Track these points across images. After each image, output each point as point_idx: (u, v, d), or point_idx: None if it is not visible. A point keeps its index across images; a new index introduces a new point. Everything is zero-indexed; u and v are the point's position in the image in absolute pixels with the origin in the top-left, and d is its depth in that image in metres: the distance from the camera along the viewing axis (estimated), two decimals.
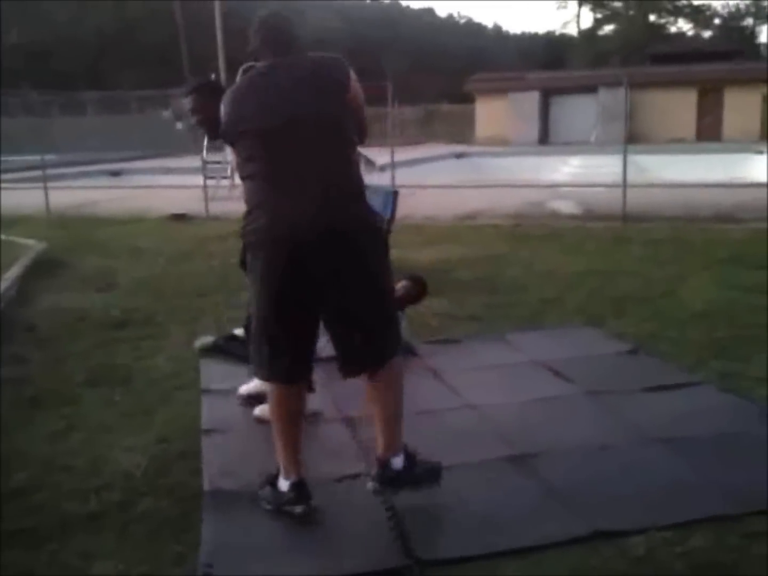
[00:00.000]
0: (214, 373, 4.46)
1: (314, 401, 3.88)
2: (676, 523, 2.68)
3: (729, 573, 2.40)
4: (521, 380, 4.26)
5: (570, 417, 3.75)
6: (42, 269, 7.56)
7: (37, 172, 14.04)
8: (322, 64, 2.80)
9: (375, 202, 7.52)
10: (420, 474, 2.89)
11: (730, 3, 62.66)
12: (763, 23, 62.21)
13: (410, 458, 2.90)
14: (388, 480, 2.86)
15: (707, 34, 61.85)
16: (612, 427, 3.61)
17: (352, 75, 2.76)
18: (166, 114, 33.90)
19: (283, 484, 2.89)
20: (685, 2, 59.75)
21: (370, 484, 2.91)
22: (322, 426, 3.72)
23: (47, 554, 2.62)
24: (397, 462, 2.87)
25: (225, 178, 13.36)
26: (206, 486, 3.08)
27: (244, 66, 3.05)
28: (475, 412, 3.83)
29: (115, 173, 21.04)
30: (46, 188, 12.89)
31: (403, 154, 15.46)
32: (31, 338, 5.28)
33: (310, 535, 2.72)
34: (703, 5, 60.86)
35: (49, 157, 15.99)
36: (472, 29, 70.27)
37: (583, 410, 3.84)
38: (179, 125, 30.38)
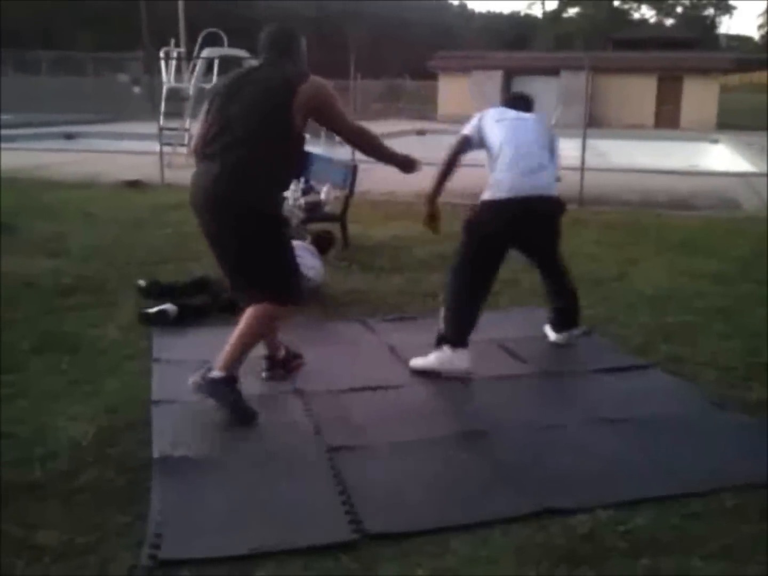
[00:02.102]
0: (166, 342, 4.40)
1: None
2: (621, 502, 2.73)
3: (669, 551, 2.46)
4: (476, 359, 4.27)
5: (522, 396, 3.80)
6: None
7: None
8: (278, 84, 3.36)
9: (334, 175, 7.49)
10: (221, 393, 3.38)
11: None
12: (723, 13, 63.04)
13: (227, 380, 3.39)
14: (201, 379, 3.41)
15: (669, 21, 62.51)
16: (562, 407, 3.66)
17: (305, 88, 3.30)
18: (123, 78, 33.21)
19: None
20: None
21: (191, 380, 3.44)
22: (276, 399, 3.70)
23: None
24: (216, 373, 3.39)
25: (182, 145, 13.14)
26: (156, 454, 3.05)
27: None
28: (429, 388, 3.84)
29: (69, 136, 20.54)
30: None
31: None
32: None
33: (260, 507, 2.71)
34: None
35: (2, 117, 15.54)
36: (438, 6, 69.92)
37: (535, 390, 3.89)
38: (136, 90, 29.82)
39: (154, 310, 4.75)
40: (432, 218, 4.33)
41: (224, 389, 3.39)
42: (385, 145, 3.69)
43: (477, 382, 3.97)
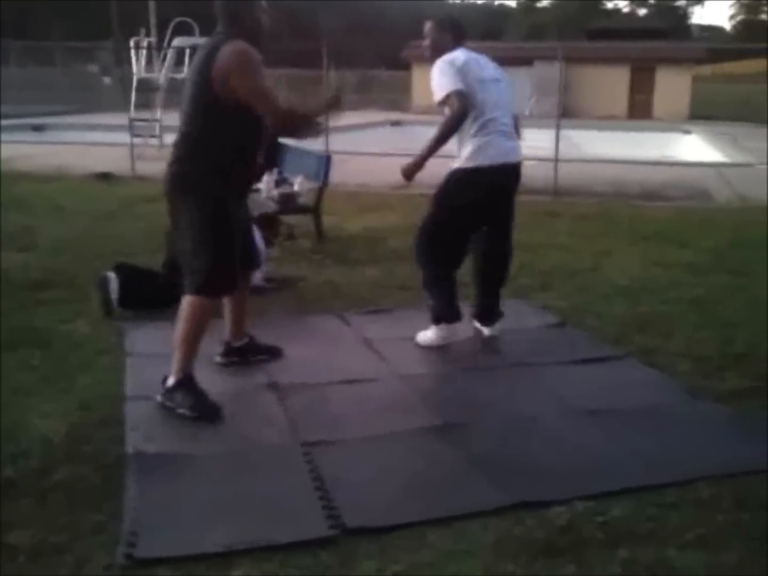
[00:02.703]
0: (138, 337, 4.35)
1: (250, 368, 3.88)
2: (598, 494, 2.74)
3: (646, 542, 2.47)
4: (451, 350, 4.28)
5: (497, 388, 3.79)
6: None
7: None
8: (205, 53, 3.28)
9: (307, 166, 7.46)
10: (179, 399, 3.37)
11: None
12: (694, 4, 63.54)
13: (181, 383, 3.39)
14: (162, 395, 3.42)
15: (642, 11, 62.88)
16: (538, 398, 3.66)
17: (222, 51, 3.20)
18: (93, 68, 32.74)
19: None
20: None
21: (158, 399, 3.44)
22: (251, 393, 3.67)
23: None
24: (170, 381, 3.40)
25: (153, 137, 12.99)
26: (129, 451, 3.01)
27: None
28: (404, 381, 3.83)
29: (38, 128, 20.20)
30: None
31: (339, 119, 15.24)
32: None
33: (237, 504, 2.68)
34: None
35: None
36: None
37: (510, 381, 3.89)
38: (106, 80, 29.43)
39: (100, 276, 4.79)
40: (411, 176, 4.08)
41: (181, 394, 3.37)
42: (296, 111, 3.44)
43: (453, 374, 3.98)
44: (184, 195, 3.37)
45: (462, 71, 3.90)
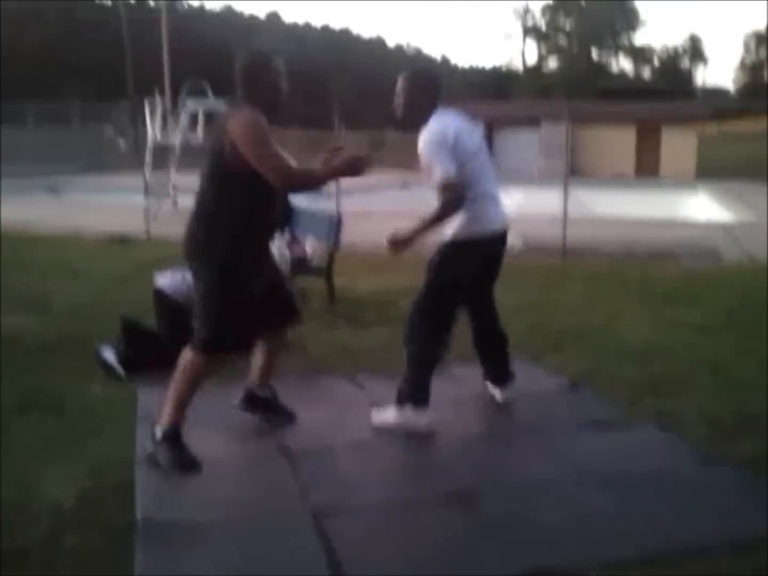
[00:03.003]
0: (150, 401, 4.34)
1: (261, 432, 3.87)
2: (613, 562, 2.70)
3: None
4: (463, 414, 4.26)
5: (509, 452, 3.77)
6: None
7: None
8: (221, 122, 3.43)
9: (318, 228, 7.53)
10: (162, 453, 3.46)
11: (669, 44, 64.82)
12: (698, 64, 64.58)
13: (167, 435, 3.47)
14: (152, 441, 3.50)
15: (647, 73, 63.92)
16: (550, 462, 3.63)
17: (233, 121, 3.31)
18: (108, 129, 33.36)
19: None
20: (626, 42, 61.69)
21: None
22: (261, 458, 3.65)
23: None
24: (158, 431, 3.48)
25: (167, 197, 13.19)
26: (139, 516, 3.00)
27: None
28: (415, 445, 3.81)
29: (54, 189, 20.55)
30: None
31: (348, 181, 15.44)
32: None
33: (246, 571, 2.66)
34: (644, 45, 62.88)
35: None
36: (421, 60, 71.16)
37: (522, 445, 3.86)
38: (121, 142, 29.96)
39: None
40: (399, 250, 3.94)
41: (164, 446, 3.46)
42: (310, 175, 3.48)
43: (464, 438, 3.95)
44: (197, 259, 3.48)
45: (455, 148, 3.72)
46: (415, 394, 3.93)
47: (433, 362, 4.00)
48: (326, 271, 6.90)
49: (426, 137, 3.75)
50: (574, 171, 17.57)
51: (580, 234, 10.45)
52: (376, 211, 13.77)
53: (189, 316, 3.62)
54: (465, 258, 3.92)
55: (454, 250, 3.90)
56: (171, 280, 5.27)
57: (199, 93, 14.71)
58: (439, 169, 3.70)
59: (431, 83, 3.95)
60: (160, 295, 5.24)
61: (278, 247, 6.93)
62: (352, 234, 8.87)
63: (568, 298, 7.18)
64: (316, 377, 4.90)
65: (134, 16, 41.65)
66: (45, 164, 25.43)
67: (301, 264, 6.80)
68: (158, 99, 15.12)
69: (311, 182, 3.52)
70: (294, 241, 7.21)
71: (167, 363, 4.47)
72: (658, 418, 4.15)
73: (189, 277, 4.75)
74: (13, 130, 30.12)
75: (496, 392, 4.40)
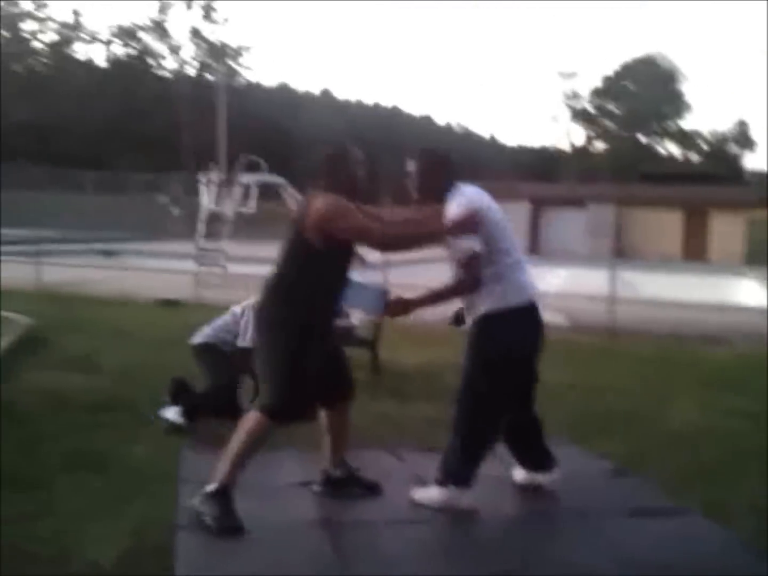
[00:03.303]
0: (193, 462, 4.37)
1: (303, 503, 3.86)
2: None
3: None
4: (507, 495, 4.18)
5: (555, 536, 3.68)
6: (26, 346, 7.49)
7: (32, 247, 14.10)
8: (305, 201, 3.69)
9: (367, 301, 7.56)
10: (208, 507, 3.50)
11: (717, 129, 65.04)
12: (745, 148, 64.51)
13: (216, 493, 3.52)
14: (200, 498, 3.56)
15: (695, 156, 64.01)
16: (597, 548, 3.53)
17: (314, 205, 3.53)
18: (163, 198, 34.39)
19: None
20: (673, 125, 62.07)
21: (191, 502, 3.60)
22: (302, 530, 3.62)
23: None
24: (210, 487, 3.55)
25: (218, 265, 13.46)
26: None
27: None
28: (458, 525, 3.75)
29: (108, 253, 21.13)
30: (38, 263, 12.92)
31: (395, 254, 15.60)
32: (8, 416, 5.17)
33: None
34: (691, 130, 63.17)
35: (45, 232, 16.09)
36: (469, 139, 72.42)
37: (566, 531, 3.76)
38: (175, 211, 30.83)
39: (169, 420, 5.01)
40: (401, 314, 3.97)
41: (212, 503, 3.50)
42: (413, 232, 3.81)
43: (509, 519, 3.88)
44: (272, 329, 3.62)
45: (485, 222, 3.67)
46: (459, 474, 3.83)
47: (485, 449, 3.88)
48: (372, 343, 6.93)
49: (453, 211, 3.70)
50: (621, 252, 17.55)
51: (627, 315, 10.36)
52: (422, 284, 13.82)
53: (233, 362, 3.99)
54: (509, 329, 3.76)
55: (496, 322, 3.76)
56: (212, 330, 5.39)
57: (253, 167, 15.15)
58: (464, 243, 3.66)
59: (441, 160, 3.94)
60: (204, 347, 5.34)
61: None
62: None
63: (616, 380, 7.08)
64: (357, 449, 4.87)
65: (193, 91, 43.37)
66: (101, 230, 26.19)
67: (347, 335, 6.85)
68: (213, 170, 15.60)
69: (411, 238, 3.76)
70: (341, 312, 7.28)
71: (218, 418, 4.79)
72: (707, 507, 4.02)
73: (229, 324, 5.19)
74: (73, 196, 31.26)
75: (541, 477, 4.17)
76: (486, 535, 3.71)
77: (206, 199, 14.90)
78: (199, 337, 5.50)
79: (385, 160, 49.23)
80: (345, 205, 3.54)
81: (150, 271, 14.55)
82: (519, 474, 4.21)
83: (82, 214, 29.16)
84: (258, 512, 3.74)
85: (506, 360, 3.78)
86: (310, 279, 3.58)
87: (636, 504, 4.05)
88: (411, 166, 3.91)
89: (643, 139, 62.42)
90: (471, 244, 3.64)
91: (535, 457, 4.18)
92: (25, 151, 39.37)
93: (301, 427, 5.05)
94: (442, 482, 3.85)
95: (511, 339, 3.77)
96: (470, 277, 3.69)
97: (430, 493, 3.88)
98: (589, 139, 63.38)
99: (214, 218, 14.55)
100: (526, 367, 3.95)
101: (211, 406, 5.17)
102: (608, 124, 62.91)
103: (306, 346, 3.56)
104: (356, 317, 7.06)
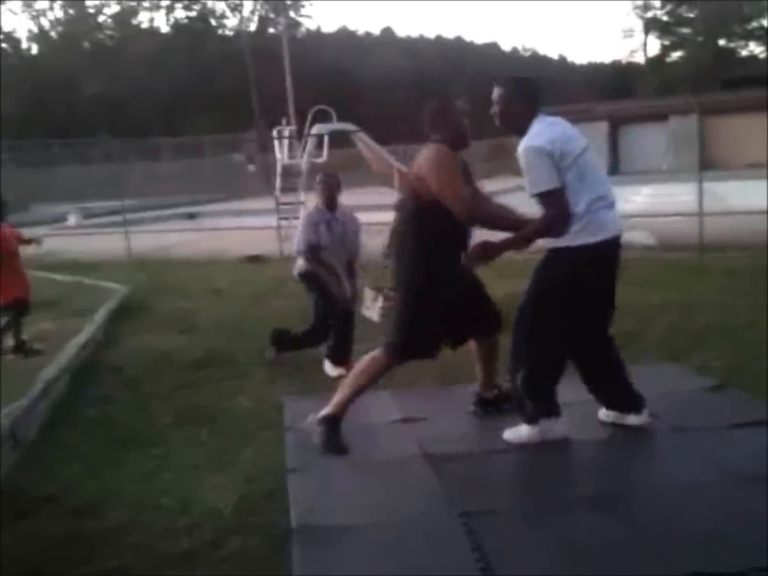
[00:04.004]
0: (297, 410, 4.52)
1: (405, 439, 3.96)
2: None
3: None
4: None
5: (656, 454, 3.69)
6: (126, 312, 7.84)
7: (118, 217, 14.57)
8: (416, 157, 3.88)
9: None
10: (319, 433, 3.86)
11: None
12: None
13: (328, 419, 3.87)
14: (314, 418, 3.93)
15: None
16: (700, 464, 3.53)
17: (419, 159, 3.77)
18: (238, 157, 34.83)
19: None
20: (755, 24, 58.56)
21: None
22: (406, 464, 3.73)
23: None
24: (323, 411, 3.90)
25: (297, 218, 13.61)
26: (294, 523, 3.13)
27: None
28: (558, 450, 3.78)
29: (191, 216, 21.67)
30: (126, 233, 13.36)
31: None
32: (119, 379, 5.47)
33: (398, 572, 2.74)
34: None
35: (129, 202, 16.58)
36: (537, 61, 70.24)
37: (669, 447, 3.76)
38: (251, 168, 31.23)
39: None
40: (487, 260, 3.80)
41: (322, 428, 3.85)
42: (495, 217, 3.94)
43: (606, 442, 3.88)
44: (398, 277, 3.90)
45: (553, 157, 3.50)
46: (542, 406, 3.78)
47: (556, 376, 3.80)
48: None
49: (526, 145, 3.55)
50: (706, 163, 16.90)
51: (716, 228, 10.02)
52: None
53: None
54: (579, 266, 3.60)
55: (567, 257, 3.61)
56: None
57: (323, 117, 15.15)
58: (539, 182, 3.53)
59: (527, 89, 3.78)
60: (303, 276, 5.57)
61: None
62: (479, 240, 8.88)
63: (708, 295, 6.91)
64: (453, 384, 4.95)
65: (257, 47, 43.38)
66: (181, 194, 26.78)
67: None
68: (285, 126, 15.70)
69: (493, 224, 3.86)
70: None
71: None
72: None
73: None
74: (149, 164, 31.98)
75: (632, 419, 3.91)
76: (584, 458, 3.74)
77: (280, 154, 15.03)
78: (295, 269, 5.68)
79: (453, 92, 48.47)
80: (448, 159, 3.69)
81: (233, 229, 14.84)
82: (607, 415, 3.99)
83: (162, 181, 29.88)
84: (364, 450, 3.87)
85: (566, 297, 3.64)
86: (426, 232, 3.74)
87: (735, 417, 3.99)
88: (496, 93, 3.77)
89: (722, 42, 59.27)
90: (548, 179, 3.51)
91: (622, 398, 3.95)
92: (101, 125, 40.42)
93: (395, 369, 5.19)
94: (529, 419, 3.81)
95: (576, 278, 3.62)
96: (555, 216, 3.55)
97: (521, 432, 3.83)
98: (665, 50, 60.54)
99: (290, 172, 14.68)
100: (594, 302, 3.75)
101: (307, 343, 5.60)
102: (684, 31, 59.89)
103: (429, 295, 3.77)
104: None
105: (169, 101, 48.25)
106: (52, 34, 54.85)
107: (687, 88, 46.98)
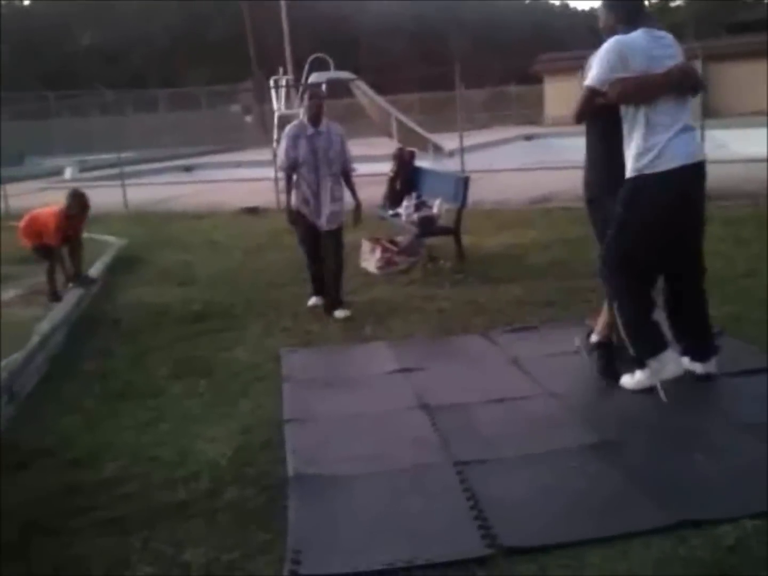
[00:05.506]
0: (293, 362, 4.53)
1: (401, 390, 3.95)
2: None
3: None
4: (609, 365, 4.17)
5: (654, 402, 3.67)
6: (123, 265, 7.81)
7: (114, 170, 14.44)
8: None
9: (446, 188, 7.55)
10: (595, 358, 3.95)
11: None
12: None
13: (599, 344, 3.94)
14: (583, 341, 4.10)
15: None
16: (697, 412, 3.53)
17: None
18: (236, 108, 34.42)
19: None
20: None
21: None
22: (403, 414, 3.73)
23: (140, 541, 2.72)
24: (594, 337, 4.01)
25: None
26: (290, 473, 3.14)
27: None
28: (555, 399, 3.79)
29: (188, 168, 21.46)
30: (123, 185, 13.25)
31: (471, 138, 15.35)
32: (116, 332, 5.46)
33: (393, 523, 2.75)
34: None
35: (125, 154, 16.42)
36: (539, 7, 68.98)
37: (667, 395, 3.74)
38: (248, 118, 30.89)
39: None
40: None
41: (598, 353, 3.92)
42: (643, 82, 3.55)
43: (606, 390, 3.88)
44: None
45: (628, 56, 3.48)
46: (645, 346, 3.68)
47: (644, 308, 3.69)
48: (455, 230, 6.90)
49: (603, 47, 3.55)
50: (708, 112, 16.69)
51: (717, 177, 9.82)
52: (500, 168, 13.59)
53: None
54: (651, 195, 3.54)
55: (636, 184, 3.57)
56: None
57: (321, 65, 14.91)
58: (590, 73, 3.55)
59: (622, 4, 3.69)
60: None
61: (406, 208, 7.01)
62: (479, 192, 8.82)
63: (709, 243, 6.80)
64: (450, 335, 4.95)
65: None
66: (179, 146, 26.53)
67: (429, 224, 6.84)
68: (282, 76, 15.45)
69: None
70: (422, 203, 7.26)
71: None
72: None
73: None
74: (145, 116, 31.62)
75: (696, 366, 3.84)
76: (583, 407, 3.74)
77: (277, 104, 14.82)
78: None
79: (453, 40, 47.70)
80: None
81: (231, 181, 14.73)
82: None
83: (159, 133, 29.54)
84: (361, 400, 3.88)
85: (640, 226, 3.60)
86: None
87: (735, 365, 3.97)
88: (598, 9, 3.84)
89: None
90: (594, 75, 3.53)
91: (690, 340, 3.88)
92: (94, 77, 39.87)
93: (392, 320, 5.18)
94: (639, 362, 3.73)
95: (648, 207, 3.57)
96: (576, 112, 3.63)
97: (637, 377, 3.75)
98: None
99: (287, 121, 14.49)
100: (669, 232, 3.64)
101: None
102: None
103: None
104: (437, 206, 7.03)
105: (164, 52, 47.52)
106: None
107: (690, 33, 46.21)
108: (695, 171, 3.60)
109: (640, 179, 3.55)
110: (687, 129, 3.58)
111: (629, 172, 3.60)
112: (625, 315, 3.69)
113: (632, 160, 3.57)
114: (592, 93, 3.54)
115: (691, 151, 3.57)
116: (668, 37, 3.64)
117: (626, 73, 3.47)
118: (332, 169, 5.41)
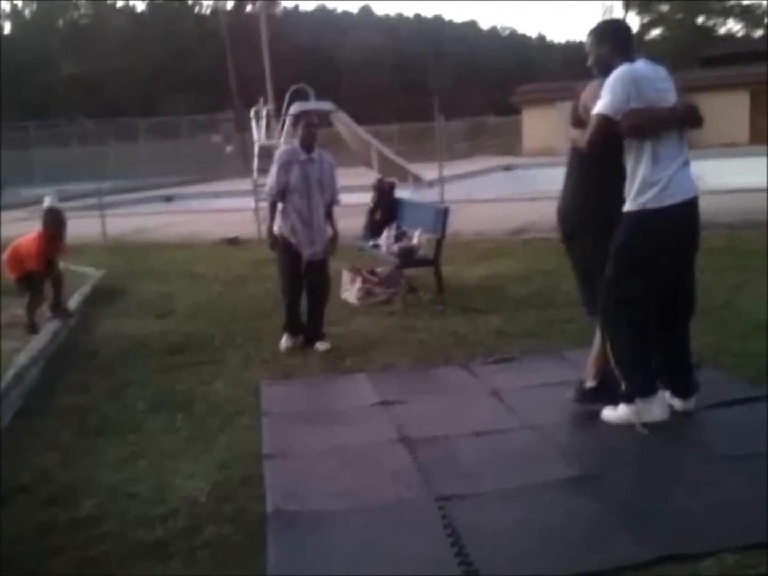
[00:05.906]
0: (274, 395, 4.50)
1: (381, 423, 3.93)
2: (749, 545, 2.61)
3: None
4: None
5: (633, 435, 3.68)
6: (101, 296, 7.75)
7: (94, 200, 14.37)
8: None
9: (425, 218, 7.58)
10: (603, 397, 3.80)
11: None
12: None
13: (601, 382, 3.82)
14: (576, 392, 3.94)
15: (758, 33, 60.56)
16: (679, 445, 3.54)
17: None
18: (215, 138, 34.46)
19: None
20: (734, 2, 58.64)
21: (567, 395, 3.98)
22: (383, 448, 3.71)
23: None
24: (589, 383, 3.88)
25: None
26: (269, 509, 3.11)
27: None
28: (536, 432, 3.79)
29: (168, 198, 21.43)
30: (102, 216, 13.19)
31: (451, 168, 15.47)
32: (94, 365, 5.40)
33: (373, 560, 2.72)
34: (753, 4, 59.55)
35: (105, 184, 16.36)
36: (516, 40, 70.00)
37: (648, 428, 3.76)
38: (228, 149, 30.93)
39: None
40: None
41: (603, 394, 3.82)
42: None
43: (586, 423, 3.89)
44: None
45: (638, 91, 3.46)
46: (636, 384, 3.68)
47: (642, 344, 3.68)
48: (434, 261, 6.93)
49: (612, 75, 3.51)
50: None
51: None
52: (479, 199, 13.69)
53: None
54: (651, 230, 3.53)
55: (640, 218, 3.54)
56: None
57: (301, 96, 14.97)
58: (601, 101, 3.48)
59: (615, 31, 3.74)
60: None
61: (386, 239, 7.03)
62: (458, 222, 8.87)
63: None
64: (429, 367, 4.94)
65: (232, 24, 42.85)
66: (158, 176, 26.50)
67: (409, 255, 6.87)
68: (263, 106, 15.48)
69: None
70: (402, 233, 7.29)
71: None
72: None
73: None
74: (125, 145, 31.59)
75: (676, 402, 3.84)
76: (563, 440, 3.73)
77: (258, 134, 14.86)
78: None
79: (433, 72, 48.22)
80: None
81: (210, 212, 14.72)
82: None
83: (139, 162, 29.52)
84: (339, 434, 3.86)
85: (640, 260, 3.59)
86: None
87: (714, 396, 3.98)
88: (587, 43, 3.78)
89: (701, 19, 59.28)
90: (605, 103, 3.47)
91: (673, 375, 3.86)
92: (77, 105, 39.87)
93: (372, 351, 5.17)
94: (626, 398, 3.71)
95: (648, 242, 3.56)
96: (589, 141, 3.55)
97: (620, 412, 3.74)
98: (644, 27, 60.49)
99: (267, 152, 14.52)
100: (670, 266, 3.65)
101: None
102: (663, 8, 59.83)
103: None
104: (416, 237, 7.06)
105: (145, 81, 47.64)
106: (26, 12, 53.94)
107: (666, 65, 46.99)
108: (694, 205, 3.65)
109: (644, 214, 3.52)
110: (687, 163, 3.62)
111: (631, 206, 3.55)
112: (622, 350, 3.68)
113: (635, 193, 3.53)
114: (607, 121, 3.46)
115: (691, 186, 3.62)
116: (662, 68, 3.67)
117: (640, 102, 3.44)
118: (324, 197, 5.37)
